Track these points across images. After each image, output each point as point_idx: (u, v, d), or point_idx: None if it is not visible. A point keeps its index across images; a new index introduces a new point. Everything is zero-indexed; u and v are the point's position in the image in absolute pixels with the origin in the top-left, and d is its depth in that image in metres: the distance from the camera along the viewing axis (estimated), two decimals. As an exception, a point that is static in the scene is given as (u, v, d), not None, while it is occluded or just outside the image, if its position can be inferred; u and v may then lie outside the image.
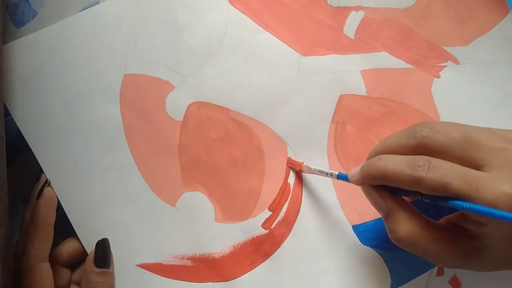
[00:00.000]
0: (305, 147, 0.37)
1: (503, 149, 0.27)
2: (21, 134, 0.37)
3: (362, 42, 0.37)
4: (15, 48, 0.37)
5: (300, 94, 0.37)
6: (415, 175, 0.26)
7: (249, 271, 0.36)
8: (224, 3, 0.38)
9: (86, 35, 0.38)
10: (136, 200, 0.37)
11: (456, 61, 0.37)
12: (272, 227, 0.37)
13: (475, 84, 0.37)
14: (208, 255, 0.37)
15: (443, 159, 0.27)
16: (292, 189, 0.37)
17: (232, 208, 0.37)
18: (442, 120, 0.36)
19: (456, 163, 0.27)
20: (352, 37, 0.37)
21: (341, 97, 0.37)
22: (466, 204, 0.25)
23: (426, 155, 0.27)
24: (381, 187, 0.30)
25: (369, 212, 0.36)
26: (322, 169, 0.35)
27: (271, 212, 0.37)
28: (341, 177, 0.33)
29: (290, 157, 0.37)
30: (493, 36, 0.36)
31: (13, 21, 0.38)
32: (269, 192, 0.37)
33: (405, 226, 0.28)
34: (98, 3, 0.38)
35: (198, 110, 0.37)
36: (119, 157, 0.37)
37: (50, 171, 0.37)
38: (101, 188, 0.37)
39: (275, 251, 0.37)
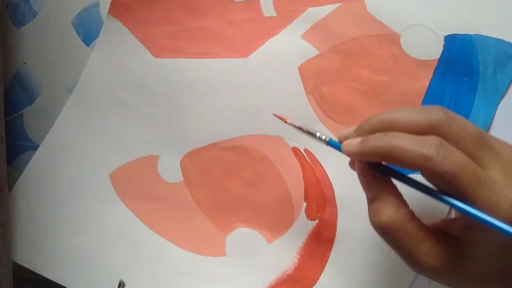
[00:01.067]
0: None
1: None
2: (22, 134, 0.38)
3: (286, 12, 0.38)
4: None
5: (265, 90, 0.37)
6: (425, 153, 0.24)
7: (325, 266, 0.36)
8: (151, 59, 0.38)
9: (61, 154, 0.39)
10: (185, 271, 0.37)
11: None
12: (318, 214, 0.36)
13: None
14: (282, 275, 0.36)
15: None
16: (314, 171, 0.37)
17: (275, 222, 0.37)
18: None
19: None
20: (275, 15, 0.38)
21: (300, 69, 0.37)
22: (466, 206, 0.24)
23: None
24: (375, 167, 0.28)
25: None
26: (309, 129, 0.30)
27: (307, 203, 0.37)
28: (332, 145, 0.29)
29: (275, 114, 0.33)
30: None
31: (13, 21, 0.39)
32: (297, 187, 0.37)
33: (390, 213, 0.26)
34: (98, 4, 0.39)
35: (191, 161, 0.38)
36: (153, 246, 0.37)
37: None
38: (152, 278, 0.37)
39: (336, 233, 0.36)
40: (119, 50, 0.38)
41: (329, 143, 0.29)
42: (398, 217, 0.26)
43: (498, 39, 0.36)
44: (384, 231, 0.26)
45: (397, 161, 0.25)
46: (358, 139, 0.27)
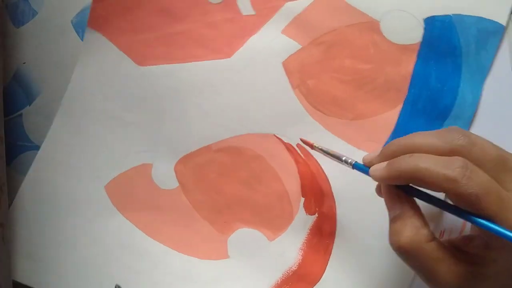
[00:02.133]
0: (289, 126, 0.37)
1: None
2: (21, 135, 0.38)
3: (264, 9, 0.38)
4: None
5: (252, 88, 0.37)
6: (450, 175, 0.24)
7: (328, 259, 0.36)
8: (135, 67, 0.38)
9: (55, 170, 0.38)
10: (189, 277, 0.37)
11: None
12: (317, 208, 0.36)
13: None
14: (287, 272, 0.36)
15: None
16: (308, 165, 0.37)
17: (274, 220, 0.37)
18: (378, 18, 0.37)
19: None
20: (254, 12, 0.38)
21: (284, 64, 0.37)
22: (495, 226, 0.24)
23: None
24: (401, 189, 0.28)
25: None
26: (335, 153, 0.32)
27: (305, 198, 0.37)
28: (358, 168, 0.30)
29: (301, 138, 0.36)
30: None
31: (12, 20, 0.39)
32: (293, 183, 0.37)
33: (411, 233, 0.26)
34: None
35: (185, 166, 0.37)
36: (155, 255, 0.37)
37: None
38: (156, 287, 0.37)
39: (336, 226, 0.36)
40: (102, 62, 0.38)
41: (355, 166, 0.30)
42: (417, 238, 0.26)
43: (478, 17, 0.36)
44: (403, 251, 0.26)
45: (423, 183, 0.26)
46: (384, 163, 0.27)
